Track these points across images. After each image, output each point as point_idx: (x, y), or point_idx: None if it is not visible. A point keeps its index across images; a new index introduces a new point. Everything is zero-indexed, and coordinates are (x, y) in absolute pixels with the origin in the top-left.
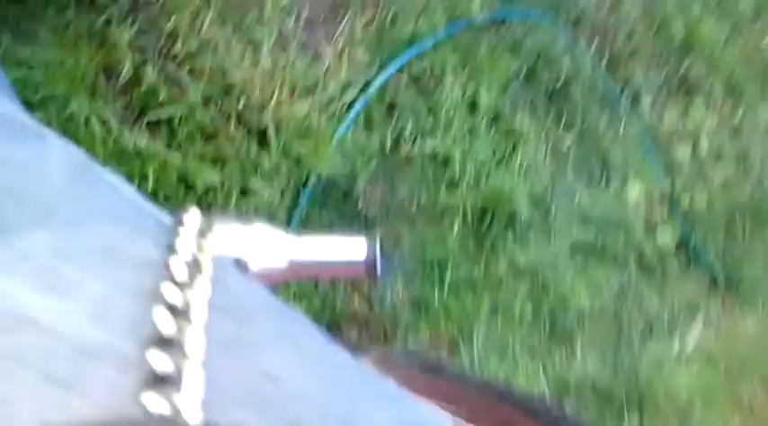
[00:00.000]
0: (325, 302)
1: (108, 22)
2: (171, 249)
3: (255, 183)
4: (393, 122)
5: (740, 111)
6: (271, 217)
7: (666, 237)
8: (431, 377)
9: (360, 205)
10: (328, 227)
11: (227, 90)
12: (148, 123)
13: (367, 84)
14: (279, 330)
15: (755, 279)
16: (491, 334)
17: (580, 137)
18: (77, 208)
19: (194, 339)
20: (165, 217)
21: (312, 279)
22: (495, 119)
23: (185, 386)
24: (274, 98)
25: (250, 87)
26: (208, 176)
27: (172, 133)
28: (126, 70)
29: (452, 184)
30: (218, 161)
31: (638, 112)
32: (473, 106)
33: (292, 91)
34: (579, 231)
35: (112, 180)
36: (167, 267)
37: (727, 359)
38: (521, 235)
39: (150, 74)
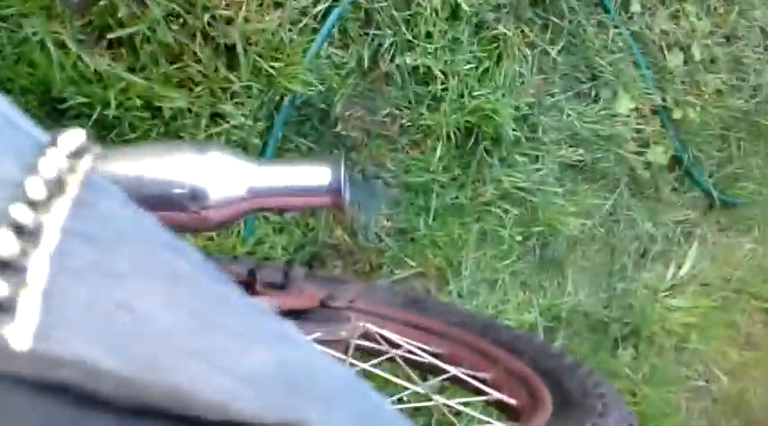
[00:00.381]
0: (307, 235)
1: None
2: (32, 168)
3: (226, 107)
4: (370, 35)
5: (733, 15)
6: (243, 144)
7: (658, 154)
8: (413, 313)
9: (338, 127)
10: (306, 153)
11: (191, 4)
12: (109, 45)
13: None
14: (149, 261)
15: (751, 197)
16: (480, 264)
17: (567, 46)
18: None
19: (38, 264)
20: (42, 134)
21: (276, 209)
22: (478, 27)
23: (19, 315)
24: (242, 12)
25: (215, 1)
26: (174, 100)
27: (134, 54)
28: None
29: (435, 101)
30: (185, 83)
31: (628, 20)
32: (454, 14)
33: (260, 3)
34: (568, 149)
35: None
36: (23, 186)
37: (723, 284)
38: (507, 155)
39: None
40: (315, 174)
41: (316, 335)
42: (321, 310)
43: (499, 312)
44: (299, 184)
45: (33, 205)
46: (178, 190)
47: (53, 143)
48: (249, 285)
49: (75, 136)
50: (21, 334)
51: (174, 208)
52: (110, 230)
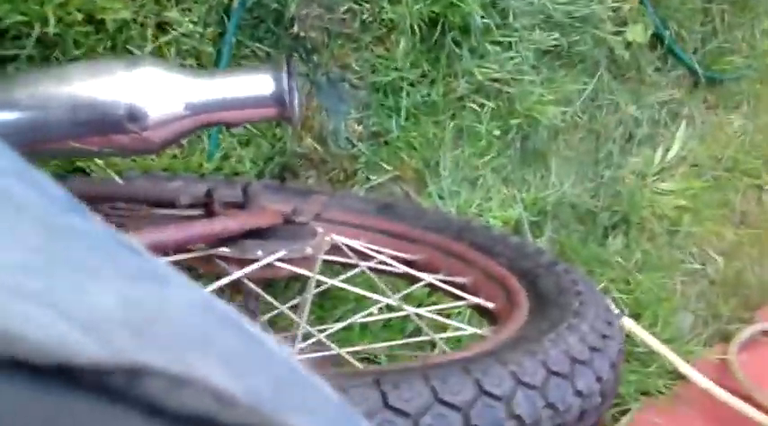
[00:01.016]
0: (275, 145)
1: None
2: None
3: (171, 14)
4: None
5: None
6: (196, 53)
7: (638, 33)
8: (386, 220)
9: (296, 28)
10: (264, 59)
11: None
12: None
13: None
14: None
15: (738, 72)
16: (459, 162)
17: None
18: None
19: None
20: None
21: (220, 124)
22: None
23: None
24: None
25: None
26: (118, 11)
27: None
28: None
29: None
30: None
31: None
32: None
33: None
34: (542, 34)
35: None
36: None
37: (714, 164)
38: (477, 45)
39: None
40: (257, 84)
41: (280, 254)
42: (286, 226)
43: (482, 210)
44: (241, 95)
45: None
46: (114, 112)
47: None
48: (206, 205)
49: None
50: None
51: (113, 131)
52: None
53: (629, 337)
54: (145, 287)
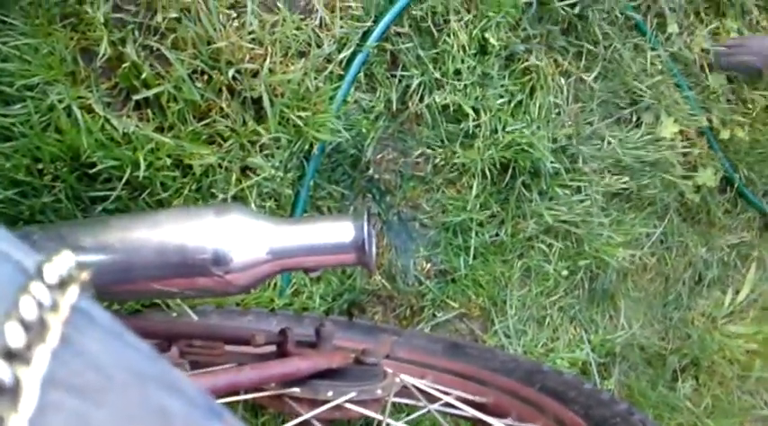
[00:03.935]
0: (345, 282)
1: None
2: (12, 309)
3: (255, 160)
4: (397, 77)
5: None
6: (276, 195)
7: (708, 177)
8: (454, 361)
9: (371, 171)
10: (339, 200)
11: (215, 60)
12: (136, 106)
13: (364, 37)
14: (139, 405)
15: None
16: (526, 301)
17: (604, 73)
18: None
19: None
20: (28, 259)
21: (300, 269)
22: (509, 60)
23: None
24: (266, 64)
25: (238, 55)
26: (204, 157)
27: (162, 114)
28: (104, 50)
29: (468, 138)
30: (214, 139)
31: (666, 41)
32: (483, 49)
33: (285, 54)
34: (611, 178)
35: None
36: (3, 333)
37: None
38: (547, 189)
39: (130, 51)
40: (337, 231)
41: (351, 395)
42: (356, 367)
43: (549, 350)
44: (321, 243)
45: (11, 356)
46: (201, 256)
47: (39, 274)
48: (281, 345)
49: (62, 262)
50: None
51: (198, 274)
52: (95, 375)
53: None
54: None
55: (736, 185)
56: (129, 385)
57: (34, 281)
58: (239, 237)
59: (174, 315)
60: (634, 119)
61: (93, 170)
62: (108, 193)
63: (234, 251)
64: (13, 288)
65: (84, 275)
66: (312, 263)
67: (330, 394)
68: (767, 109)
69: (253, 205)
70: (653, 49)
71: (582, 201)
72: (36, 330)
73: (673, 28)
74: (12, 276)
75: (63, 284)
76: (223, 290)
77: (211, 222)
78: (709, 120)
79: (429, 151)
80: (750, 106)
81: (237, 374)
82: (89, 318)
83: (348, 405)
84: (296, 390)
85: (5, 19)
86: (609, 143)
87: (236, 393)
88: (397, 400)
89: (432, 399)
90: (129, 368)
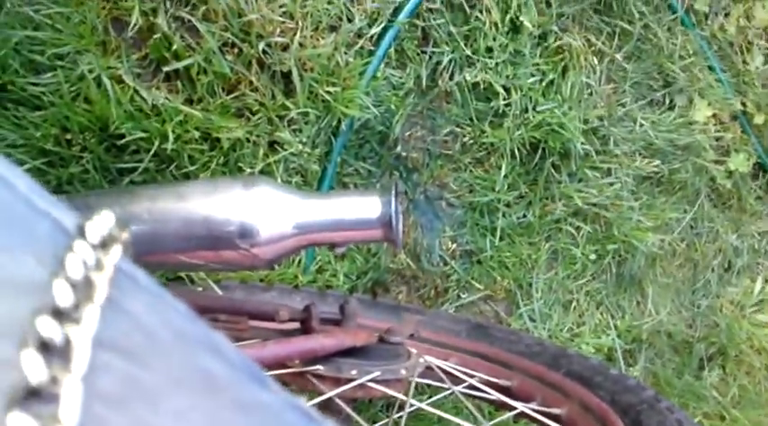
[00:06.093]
0: (369, 260)
1: None
2: (58, 268)
3: (283, 135)
4: (428, 53)
5: None
6: (302, 171)
7: (740, 162)
8: (480, 342)
9: (398, 149)
10: (366, 177)
11: (246, 33)
12: (166, 78)
13: (396, 13)
14: (185, 369)
15: None
16: (552, 284)
17: (636, 53)
18: None
19: (70, 393)
20: (68, 219)
21: (327, 244)
22: (541, 39)
23: None
24: (296, 38)
25: (269, 28)
26: (232, 130)
27: (191, 86)
28: (135, 20)
29: (498, 117)
30: (242, 113)
31: (700, 21)
32: (515, 27)
33: (315, 28)
34: (642, 161)
35: (12, 177)
36: (51, 292)
37: None
38: (577, 170)
39: (162, 22)
40: (364, 206)
41: (375, 375)
42: (380, 346)
43: (575, 335)
44: (348, 218)
45: (61, 315)
46: (227, 229)
47: (81, 233)
48: (304, 321)
49: (103, 221)
50: None
51: (224, 247)
52: (141, 336)
53: None
54: None
55: None
56: (174, 346)
57: (78, 240)
58: (266, 211)
59: (200, 289)
60: (667, 101)
61: (122, 141)
62: (136, 165)
63: (260, 224)
64: (58, 246)
65: (125, 235)
66: (338, 239)
67: (354, 372)
68: None
69: (279, 180)
70: (686, 30)
71: (612, 184)
72: (83, 289)
73: (705, 8)
74: (55, 235)
75: (105, 244)
76: (249, 264)
77: (238, 195)
78: (744, 104)
79: (458, 129)
80: None
81: (261, 349)
82: (132, 278)
83: (371, 384)
84: (319, 368)
85: None
86: (641, 125)
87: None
88: (421, 380)
89: (456, 381)
90: (173, 329)
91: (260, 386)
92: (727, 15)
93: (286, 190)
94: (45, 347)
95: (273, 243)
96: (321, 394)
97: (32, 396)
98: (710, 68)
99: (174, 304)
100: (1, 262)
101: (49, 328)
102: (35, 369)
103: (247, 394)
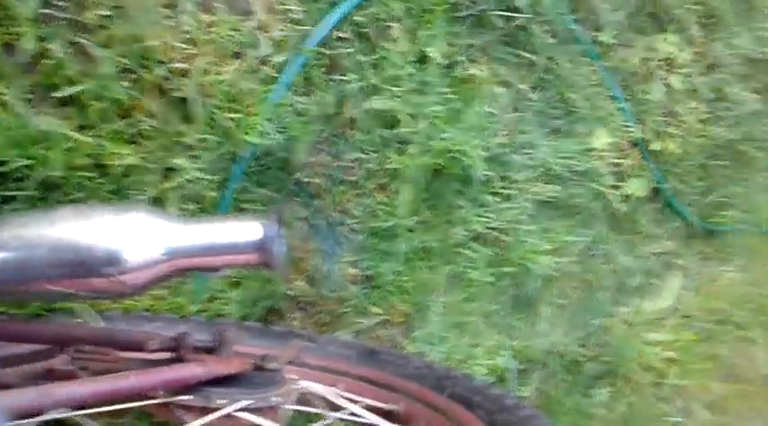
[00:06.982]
0: (265, 287)
1: None
2: None
3: (179, 161)
4: (335, 81)
5: (716, 43)
6: (199, 198)
7: (637, 187)
8: (367, 367)
9: (301, 175)
10: (265, 204)
11: (145, 58)
12: (59, 103)
13: (304, 40)
14: None
15: (735, 225)
16: (449, 307)
17: (542, 83)
18: None
19: None
20: None
21: (201, 269)
22: (449, 68)
23: None
24: (197, 64)
25: (170, 53)
26: (125, 157)
27: (83, 112)
28: (28, 44)
29: (402, 144)
30: (136, 139)
31: (604, 53)
32: (423, 57)
33: (219, 54)
34: (542, 186)
35: None
36: None
37: (706, 316)
38: (478, 195)
39: (57, 47)
40: (243, 231)
41: (245, 403)
42: (255, 374)
43: (469, 356)
44: (223, 242)
45: None
46: (93, 254)
47: None
48: (176, 350)
49: None
50: None
51: (92, 274)
52: None
53: None
54: None
55: (664, 195)
56: None
57: None
58: (134, 236)
59: (79, 320)
60: (568, 129)
61: (4, 167)
62: (18, 193)
63: (127, 250)
64: None
65: None
66: (215, 263)
67: (222, 401)
68: (700, 122)
69: (174, 208)
70: (589, 59)
71: (511, 209)
72: None
73: (610, 39)
74: None
75: None
76: (119, 291)
77: (108, 220)
78: (643, 132)
79: (363, 156)
80: (683, 119)
81: (121, 380)
82: None
83: (240, 414)
84: (186, 398)
85: None
86: (541, 153)
87: (123, 401)
88: (300, 408)
89: (335, 407)
90: None
91: None
92: (631, 47)
93: (160, 216)
94: None
95: (142, 269)
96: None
97: None
98: (613, 97)
99: None
100: None
101: None
102: None
103: None
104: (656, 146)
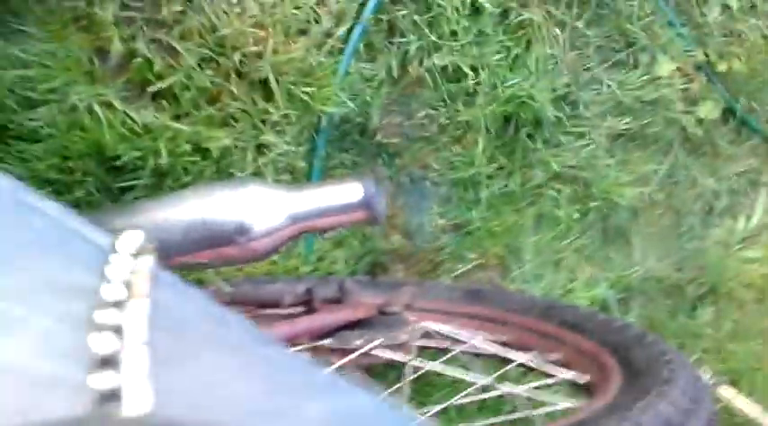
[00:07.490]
0: (365, 244)
1: (90, 1)
2: (103, 275)
3: (268, 137)
4: (396, 44)
5: None
6: (291, 169)
7: (709, 109)
8: (474, 305)
9: (378, 137)
10: (351, 167)
11: (221, 46)
12: (152, 97)
13: (361, 10)
14: (214, 337)
15: None
16: (541, 247)
17: (596, 19)
18: (10, 241)
19: (132, 355)
20: (103, 239)
21: (317, 230)
22: (503, 17)
23: (129, 397)
24: (269, 45)
25: (242, 40)
26: (220, 139)
27: (176, 103)
28: (117, 47)
29: (469, 96)
30: (227, 122)
31: None
32: (476, 9)
33: (286, 33)
34: (613, 120)
35: (45, 206)
36: (100, 293)
37: None
38: (551, 138)
39: (141, 46)
40: (347, 192)
41: (378, 342)
42: (380, 317)
43: (568, 291)
44: (334, 204)
45: (111, 308)
46: (225, 228)
47: (113, 249)
48: (307, 303)
49: (132, 238)
50: (135, 407)
51: (223, 244)
52: (175, 317)
53: (727, 407)
54: (341, 396)
55: (737, 115)
56: (200, 323)
57: (112, 254)
58: (258, 207)
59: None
60: (631, 60)
61: (119, 162)
62: (135, 183)
63: (255, 220)
64: (97, 260)
65: (153, 247)
66: (327, 224)
67: (358, 342)
68: (763, 38)
69: (269, 179)
70: None
71: (586, 146)
72: (126, 289)
73: None
74: (92, 250)
75: (138, 254)
76: (248, 257)
77: (231, 195)
78: (706, 55)
79: (433, 112)
80: (745, 37)
81: (271, 331)
82: (163, 279)
83: (376, 352)
84: (327, 342)
85: (22, 28)
86: (608, 86)
87: None
88: (423, 343)
89: (456, 342)
90: (199, 312)
91: (268, 346)
92: None
93: (274, 187)
94: (105, 331)
95: (268, 235)
96: (332, 365)
97: (104, 364)
98: (670, 24)
99: (197, 293)
100: (61, 276)
101: (104, 317)
102: (101, 346)
103: (261, 351)
104: (721, 67)
